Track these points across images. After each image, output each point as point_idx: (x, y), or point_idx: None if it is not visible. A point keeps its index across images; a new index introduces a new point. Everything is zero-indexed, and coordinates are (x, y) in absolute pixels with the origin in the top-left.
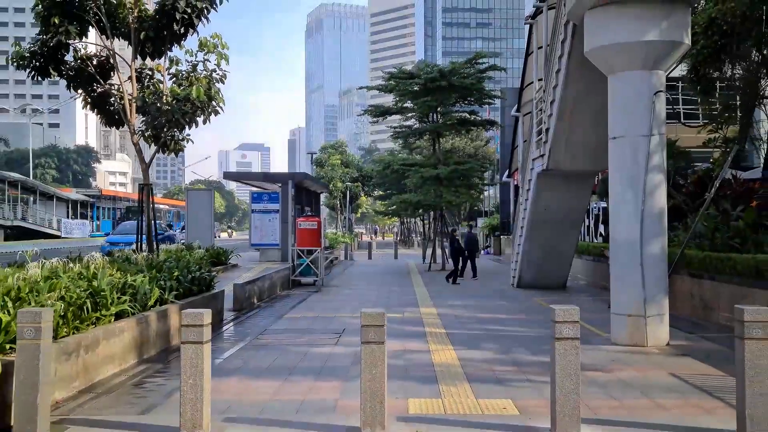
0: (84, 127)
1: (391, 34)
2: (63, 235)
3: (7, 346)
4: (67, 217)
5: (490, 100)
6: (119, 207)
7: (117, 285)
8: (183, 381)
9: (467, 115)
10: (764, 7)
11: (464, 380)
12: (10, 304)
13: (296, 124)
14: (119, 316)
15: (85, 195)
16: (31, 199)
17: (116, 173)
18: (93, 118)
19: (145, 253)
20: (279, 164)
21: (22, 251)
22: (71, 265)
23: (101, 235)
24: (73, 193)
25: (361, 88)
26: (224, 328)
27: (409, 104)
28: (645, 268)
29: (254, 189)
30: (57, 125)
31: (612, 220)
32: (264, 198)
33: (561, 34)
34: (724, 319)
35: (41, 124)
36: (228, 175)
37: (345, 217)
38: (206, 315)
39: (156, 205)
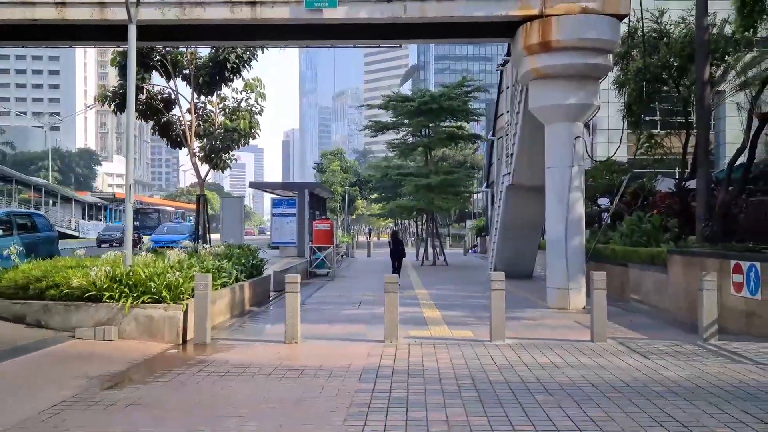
0: (83, 129)
1: None
2: (80, 236)
3: (182, 296)
4: (83, 218)
5: (476, 117)
6: None
7: (215, 266)
8: (287, 312)
9: (455, 130)
10: (680, 59)
11: (444, 324)
12: (178, 273)
13: (289, 126)
14: (220, 286)
15: (100, 198)
16: (51, 201)
17: (114, 175)
18: (92, 121)
19: (217, 247)
20: (272, 166)
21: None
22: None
23: None
24: (89, 196)
25: (361, 106)
26: (272, 301)
27: (405, 121)
28: (568, 257)
29: (274, 196)
30: (57, 128)
31: (547, 224)
32: (283, 204)
33: (519, 85)
34: (629, 291)
35: (42, 127)
36: (253, 185)
37: (344, 219)
38: (298, 277)
39: (163, 207)
